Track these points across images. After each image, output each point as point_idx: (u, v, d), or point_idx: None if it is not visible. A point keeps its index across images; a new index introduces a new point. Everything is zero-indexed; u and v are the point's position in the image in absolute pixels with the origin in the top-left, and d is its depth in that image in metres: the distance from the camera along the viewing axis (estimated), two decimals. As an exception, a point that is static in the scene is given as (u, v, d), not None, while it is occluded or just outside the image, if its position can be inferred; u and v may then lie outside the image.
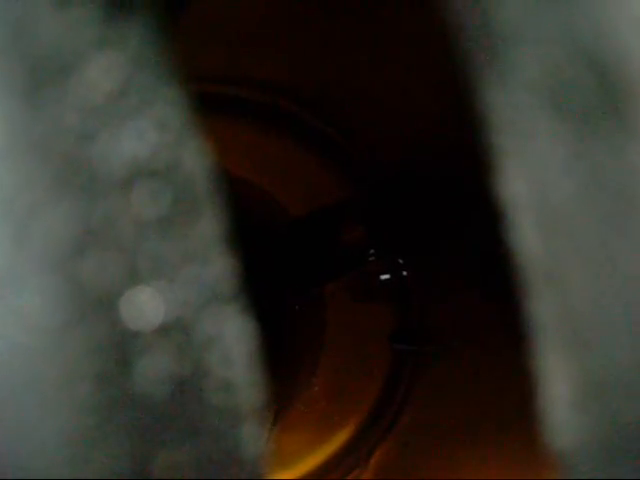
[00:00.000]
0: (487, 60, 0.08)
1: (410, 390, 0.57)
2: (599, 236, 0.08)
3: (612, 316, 0.08)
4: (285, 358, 0.49)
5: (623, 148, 0.07)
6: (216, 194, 0.10)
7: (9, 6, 0.08)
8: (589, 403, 0.09)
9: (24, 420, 0.08)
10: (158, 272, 0.09)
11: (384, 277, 0.56)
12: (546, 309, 0.09)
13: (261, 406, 0.09)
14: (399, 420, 0.57)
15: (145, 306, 0.09)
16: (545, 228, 0.09)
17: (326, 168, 0.55)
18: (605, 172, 0.08)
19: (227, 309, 0.09)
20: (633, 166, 0.07)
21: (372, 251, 0.55)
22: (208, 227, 0.09)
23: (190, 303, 0.09)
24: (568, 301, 0.09)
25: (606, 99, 0.07)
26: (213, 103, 0.53)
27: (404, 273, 0.56)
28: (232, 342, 0.09)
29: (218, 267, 0.09)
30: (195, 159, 0.10)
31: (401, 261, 0.56)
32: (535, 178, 0.09)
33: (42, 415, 0.08)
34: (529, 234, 0.09)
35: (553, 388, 0.09)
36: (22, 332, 0.08)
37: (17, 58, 0.08)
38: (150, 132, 0.09)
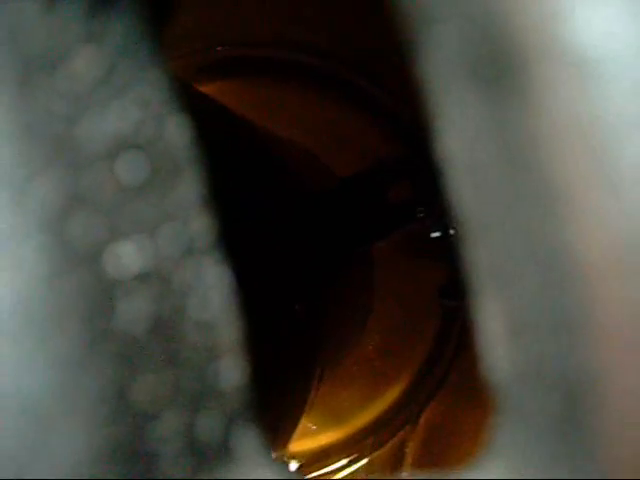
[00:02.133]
0: (418, 36, 0.10)
1: (459, 346, 0.58)
2: (513, 189, 0.09)
3: (525, 263, 0.09)
4: (335, 317, 0.50)
5: (517, 111, 0.09)
6: (195, 161, 0.11)
7: (3, 10, 0.10)
8: (515, 341, 0.10)
9: (22, 352, 0.10)
10: (139, 229, 0.11)
11: (433, 234, 0.56)
12: (479, 256, 0.10)
13: (237, 343, 0.11)
14: (450, 376, 0.58)
15: (125, 257, 0.10)
16: (474, 182, 0.10)
17: (372, 127, 0.55)
18: (510, 131, 0.09)
19: (205, 260, 0.11)
20: (525, 128, 0.09)
21: (420, 209, 0.55)
22: (187, 191, 0.11)
23: (168, 255, 0.11)
24: (493, 249, 0.10)
25: (505, 68, 0.09)
26: (258, 67, 0.53)
27: (451, 231, 0.56)
28: (209, 288, 0.11)
29: (196, 225, 0.11)
30: (174, 132, 0.11)
31: (449, 218, 0.56)
32: (463, 138, 0.10)
33: (37, 347, 0.10)
34: (463, 188, 0.10)
35: (488, 329, 0.10)
36: (20, 280, 0.10)
37: (10, 55, 0.10)
38: (132, 110, 0.11)
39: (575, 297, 0.09)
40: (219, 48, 0.53)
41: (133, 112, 0.11)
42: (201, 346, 0.11)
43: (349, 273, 0.53)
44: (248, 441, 0.11)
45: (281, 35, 0.53)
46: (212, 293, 0.11)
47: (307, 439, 0.58)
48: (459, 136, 0.10)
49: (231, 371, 0.11)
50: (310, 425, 0.58)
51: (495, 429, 0.11)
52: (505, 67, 0.08)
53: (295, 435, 0.42)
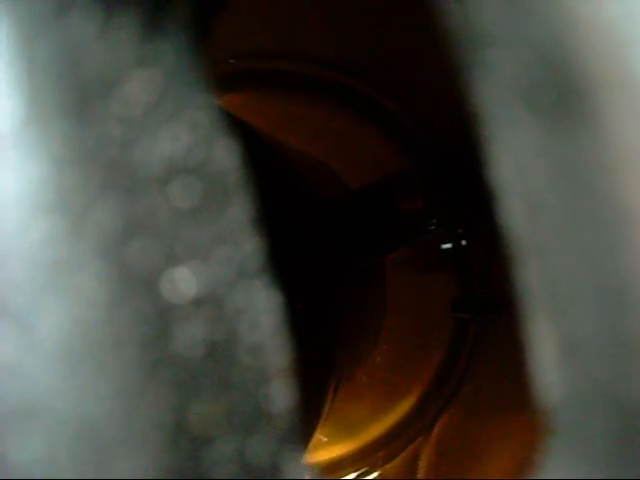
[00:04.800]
0: (470, 60, 0.10)
1: (472, 358, 0.57)
2: (570, 214, 0.09)
3: (582, 285, 0.09)
4: (347, 329, 0.50)
5: (580, 139, 0.09)
6: (245, 183, 0.11)
7: (60, 38, 0.10)
8: (569, 363, 0.10)
9: (81, 379, 0.10)
10: (193, 254, 0.11)
11: (445, 246, 0.56)
12: (532, 279, 0.10)
13: (287, 367, 0.11)
14: (461, 389, 0.57)
15: (181, 283, 0.10)
16: (528, 206, 0.10)
17: (384, 140, 0.55)
18: (569, 159, 0.09)
19: (256, 283, 0.11)
20: (589, 155, 0.09)
21: (432, 221, 0.55)
22: (237, 213, 0.11)
23: (221, 279, 0.11)
24: (548, 271, 0.10)
25: (566, 96, 0.09)
26: (271, 79, 0.54)
27: (463, 242, 0.56)
28: (260, 312, 0.11)
29: (247, 247, 0.11)
30: (224, 154, 0.11)
31: (461, 230, 0.56)
32: (516, 163, 0.10)
33: (96, 374, 0.10)
34: (516, 212, 0.10)
35: (540, 350, 0.10)
36: (80, 307, 0.10)
37: (67, 81, 0.10)
38: (183, 134, 0.11)
39: (635, 323, 0.09)
40: (232, 60, 0.54)
41: (184, 136, 0.11)
42: (252, 370, 0.11)
43: (361, 285, 0.53)
44: (296, 464, 0.11)
45: (294, 47, 0.53)
46: (262, 316, 0.11)
47: (318, 451, 0.58)
48: (513, 160, 0.10)
49: (281, 394, 0.11)
50: (321, 437, 0.58)
51: (546, 452, 0.11)
52: (566, 93, 0.08)
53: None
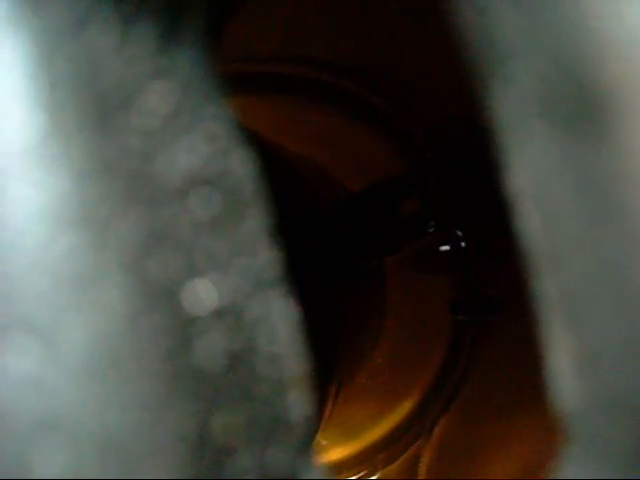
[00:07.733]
0: (489, 71, 0.10)
1: (471, 360, 0.57)
2: (589, 224, 0.09)
3: (601, 295, 0.10)
4: (347, 331, 0.50)
5: (598, 149, 0.09)
6: (261, 193, 0.11)
7: (79, 52, 0.10)
8: (586, 372, 0.10)
9: (105, 392, 0.10)
10: (212, 265, 0.11)
11: (443, 248, 0.57)
12: (549, 288, 0.10)
13: (304, 375, 0.11)
14: (461, 391, 0.58)
15: (202, 294, 0.10)
16: (545, 216, 0.10)
17: (382, 142, 0.55)
18: (588, 170, 0.09)
19: (273, 293, 0.11)
20: (609, 166, 0.09)
21: (431, 223, 0.55)
22: (255, 223, 0.11)
23: (240, 290, 0.11)
24: (566, 281, 0.10)
25: (586, 108, 0.09)
26: (267, 82, 0.54)
27: (463, 244, 0.57)
28: (278, 321, 0.11)
29: (264, 257, 0.11)
30: (241, 165, 0.11)
31: (459, 232, 0.56)
32: (534, 173, 0.10)
33: (121, 386, 0.10)
34: (533, 221, 0.10)
35: (556, 359, 0.10)
36: (102, 320, 0.10)
37: (87, 95, 0.10)
38: (201, 145, 0.11)
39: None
40: (232, 64, 0.54)
41: (202, 147, 0.11)
42: (271, 379, 0.11)
43: (360, 287, 0.53)
44: (314, 472, 0.11)
45: (292, 50, 0.53)
46: (280, 325, 0.11)
47: (318, 454, 0.58)
48: (530, 170, 0.10)
49: (299, 403, 0.11)
50: (321, 440, 0.58)
51: (564, 458, 0.11)
52: (585, 105, 0.09)
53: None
